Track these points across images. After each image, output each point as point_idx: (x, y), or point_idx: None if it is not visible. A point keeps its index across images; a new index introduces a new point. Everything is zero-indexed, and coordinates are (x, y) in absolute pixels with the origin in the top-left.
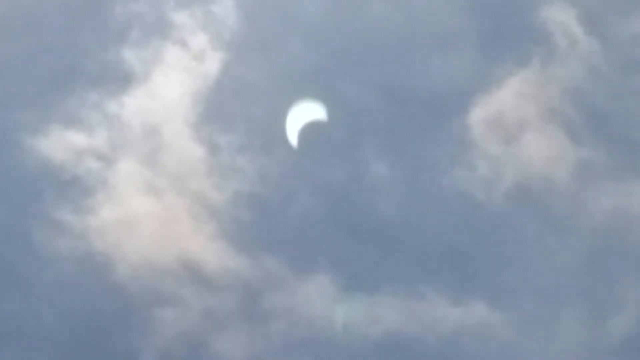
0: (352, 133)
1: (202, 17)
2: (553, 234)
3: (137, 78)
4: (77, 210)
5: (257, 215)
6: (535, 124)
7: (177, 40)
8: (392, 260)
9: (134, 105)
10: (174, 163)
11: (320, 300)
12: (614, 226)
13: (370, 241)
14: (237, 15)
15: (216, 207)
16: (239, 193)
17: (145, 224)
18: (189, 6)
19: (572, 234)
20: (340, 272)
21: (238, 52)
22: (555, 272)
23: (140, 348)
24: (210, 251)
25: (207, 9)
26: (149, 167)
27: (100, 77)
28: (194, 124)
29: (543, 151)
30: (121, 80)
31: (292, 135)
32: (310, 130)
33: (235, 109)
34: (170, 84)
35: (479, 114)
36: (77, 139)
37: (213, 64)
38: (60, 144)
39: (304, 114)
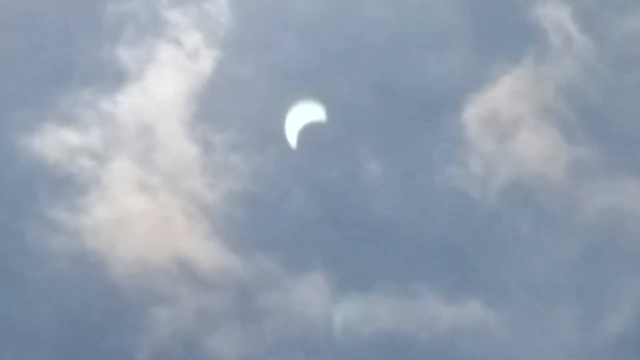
0: (346, 131)
1: (196, 16)
2: (547, 232)
3: (131, 76)
4: (71, 208)
5: (251, 214)
6: (529, 122)
7: (171, 39)
8: (387, 258)
9: (127, 104)
10: (168, 162)
11: (315, 299)
12: (608, 224)
13: (364, 240)
14: (231, 14)
15: (210, 205)
16: (233, 192)
17: (139, 222)
18: (182, 4)
19: (567, 232)
20: (334, 271)
21: (232, 50)
22: (549, 270)
23: (134, 346)
24: (204, 250)
25: (200, 8)
26: (143, 166)
27: (94, 76)
28: (188, 122)
29: (537, 149)
30: (115, 78)
31: (292, 137)
32: (304, 129)
33: (229, 107)
34: (164, 82)
35: (473, 112)
36: (70, 137)
37: (207, 62)
38: (54, 142)
39: (303, 114)
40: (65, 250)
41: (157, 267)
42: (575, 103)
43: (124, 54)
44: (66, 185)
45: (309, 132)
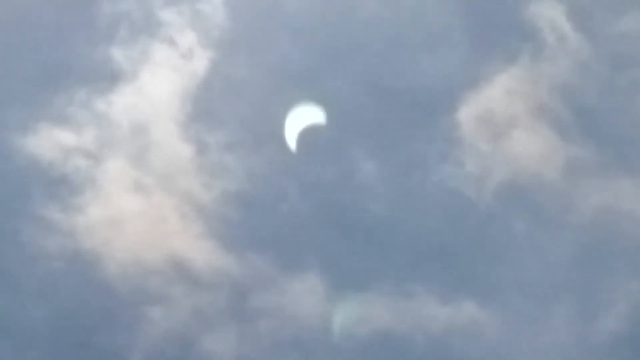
0: (340, 131)
1: (190, 15)
2: (542, 231)
3: (125, 76)
4: (65, 208)
5: (246, 214)
6: (524, 121)
7: (165, 39)
8: (381, 258)
9: (122, 104)
10: (162, 162)
11: (309, 299)
12: (603, 223)
13: (359, 240)
14: (225, 14)
15: (204, 205)
16: (227, 192)
17: (133, 222)
18: (176, 4)
19: (562, 231)
20: (329, 271)
21: (226, 50)
22: (544, 269)
23: (129, 346)
24: (198, 250)
25: (195, 7)
26: (137, 166)
27: (88, 76)
28: (182, 122)
29: (532, 148)
30: (109, 78)
31: (291, 139)
32: (300, 130)
33: (224, 107)
34: (158, 82)
35: (468, 111)
36: (65, 137)
37: (201, 62)
38: (49, 142)
39: (302, 117)
40: (59, 250)
41: (151, 267)
42: (570, 102)
43: (119, 54)
44: (61, 185)
45: (304, 132)
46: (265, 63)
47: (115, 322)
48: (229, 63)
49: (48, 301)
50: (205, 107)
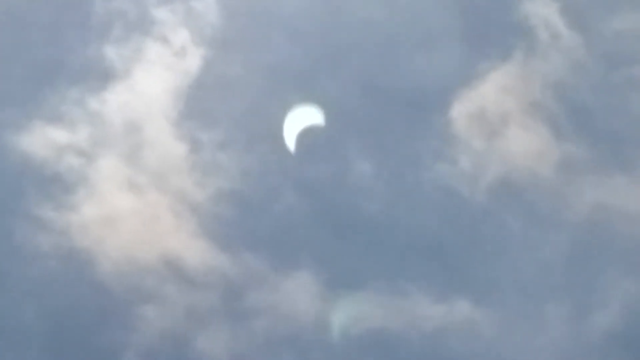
0: (335, 129)
1: (183, 14)
2: (536, 229)
3: (119, 74)
4: (59, 207)
5: (239, 213)
6: (518, 119)
7: (158, 37)
8: (376, 257)
9: (115, 102)
10: (156, 160)
11: (303, 298)
12: (597, 221)
13: (353, 238)
14: (218, 12)
15: (198, 204)
16: (221, 190)
17: (126, 221)
18: (170, 2)
19: (556, 229)
20: (323, 270)
21: (219, 48)
22: (539, 267)
23: (123, 345)
24: (192, 248)
25: (188, 5)
26: (131, 164)
27: (81, 74)
28: (176, 120)
29: (526, 146)
30: (102, 76)
31: (290, 141)
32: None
33: (217, 105)
34: (151, 80)
35: (462, 109)
36: (58, 135)
37: (194, 60)
38: (42, 140)
39: (301, 118)
40: (52, 249)
41: (145, 266)
42: (564, 100)
43: (112, 52)
44: (54, 184)
45: (299, 131)
46: (258, 61)
47: (109, 321)
48: (222, 61)
49: (41, 300)
50: (198, 106)
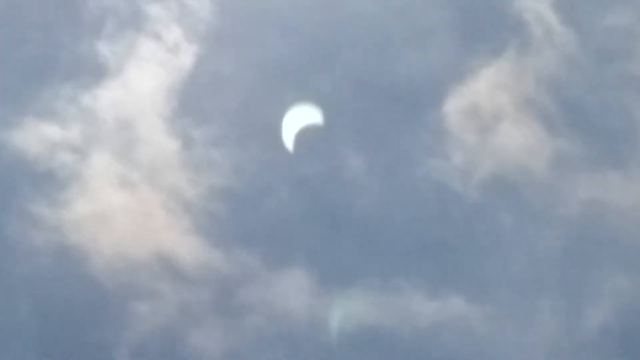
0: (327, 125)
1: (177, 10)
2: (529, 225)
3: (111, 71)
4: (52, 203)
5: (233, 210)
6: (510, 114)
7: (151, 34)
8: (369, 253)
9: (108, 99)
10: (148, 157)
11: (297, 295)
12: (590, 217)
13: (346, 234)
14: (212, 8)
15: (191, 201)
16: (214, 187)
17: (119, 217)
18: None
19: (549, 225)
20: (316, 266)
21: (212, 45)
22: (532, 263)
23: (115, 342)
24: (185, 245)
25: (181, 2)
26: (123, 161)
27: (74, 70)
28: (168, 117)
29: (519, 141)
30: (95, 73)
31: (289, 140)
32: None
33: (210, 102)
34: (144, 77)
35: (454, 105)
36: (51, 132)
37: (187, 57)
38: (34, 137)
39: (300, 117)
40: (45, 245)
41: (138, 262)
42: (557, 95)
43: (105, 49)
44: (47, 180)
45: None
46: (251, 58)
47: (102, 317)
48: (215, 58)
49: (34, 296)
50: (191, 102)
